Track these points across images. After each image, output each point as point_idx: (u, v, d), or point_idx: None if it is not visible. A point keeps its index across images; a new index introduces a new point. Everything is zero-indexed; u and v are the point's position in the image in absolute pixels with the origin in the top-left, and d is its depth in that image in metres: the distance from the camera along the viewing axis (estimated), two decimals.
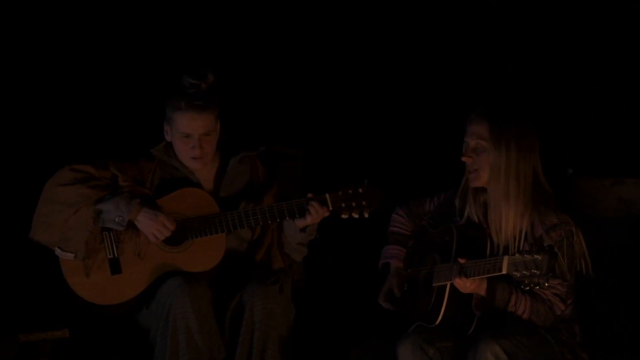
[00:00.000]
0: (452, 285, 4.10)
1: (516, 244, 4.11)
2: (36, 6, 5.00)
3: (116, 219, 4.28)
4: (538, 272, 3.88)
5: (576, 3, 5.17)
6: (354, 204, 4.34)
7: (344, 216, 4.36)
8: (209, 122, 4.37)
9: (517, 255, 3.93)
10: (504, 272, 3.95)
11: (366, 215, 4.36)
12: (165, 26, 5.12)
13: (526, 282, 3.92)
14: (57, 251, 4.33)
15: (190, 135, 4.37)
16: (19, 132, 4.99)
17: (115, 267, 4.33)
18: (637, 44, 5.10)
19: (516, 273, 3.92)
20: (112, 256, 4.33)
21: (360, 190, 4.34)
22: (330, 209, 4.33)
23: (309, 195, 4.35)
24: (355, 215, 4.35)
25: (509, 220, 4.13)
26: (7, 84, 4.97)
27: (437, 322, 4.11)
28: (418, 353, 4.06)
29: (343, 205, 4.34)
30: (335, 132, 5.30)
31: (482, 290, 4.08)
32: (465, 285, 4.04)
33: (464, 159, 4.20)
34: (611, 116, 5.17)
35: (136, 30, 5.09)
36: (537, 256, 3.88)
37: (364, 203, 4.33)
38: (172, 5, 5.14)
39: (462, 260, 4.06)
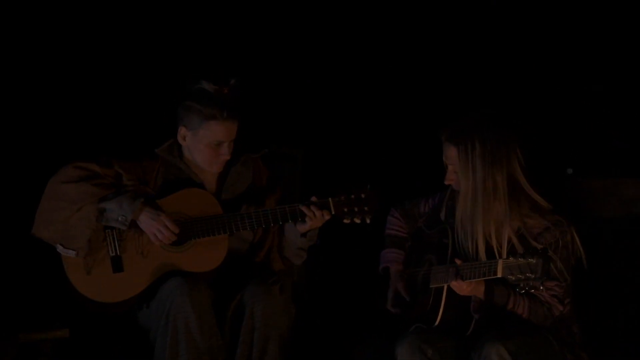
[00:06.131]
0: (449, 287, 4.11)
1: (504, 251, 4.11)
2: (41, 5, 4.99)
3: (119, 218, 4.27)
4: (533, 276, 3.90)
5: (576, 3, 5.18)
6: (356, 209, 4.32)
7: (345, 221, 4.34)
8: (237, 126, 4.37)
9: (510, 258, 3.95)
10: (499, 275, 3.97)
11: (368, 221, 4.34)
12: (166, 27, 5.13)
13: (522, 285, 3.94)
14: (59, 248, 4.31)
15: (223, 142, 4.35)
16: (22, 130, 4.99)
17: (117, 265, 4.32)
18: (637, 44, 5.11)
19: (511, 277, 3.94)
20: (114, 254, 4.32)
21: (363, 195, 4.32)
22: (333, 213, 4.32)
23: (312, 199, 4.33)
24: (357, 221, 4.33)
25: (490, 232, 4.13)
26: (12, 81, 4.97)
27: (436, 324, 4.13)
28: (417, 354, 4.07)
29: (345, 210, 4.32)
30: (335, 132, 5.30)
31: (479, 293, 4.10)
32: (462, 287, 4.06)
33: (446, 182, 4.22)
34: (611, 116, 5.17)
35: (139, 30, 5.10)
36: (531, 259, 3.91)
37: (366, 209, 4.32)
38: (172, 7, 5.14)
39: (458, 262, 4.07)
